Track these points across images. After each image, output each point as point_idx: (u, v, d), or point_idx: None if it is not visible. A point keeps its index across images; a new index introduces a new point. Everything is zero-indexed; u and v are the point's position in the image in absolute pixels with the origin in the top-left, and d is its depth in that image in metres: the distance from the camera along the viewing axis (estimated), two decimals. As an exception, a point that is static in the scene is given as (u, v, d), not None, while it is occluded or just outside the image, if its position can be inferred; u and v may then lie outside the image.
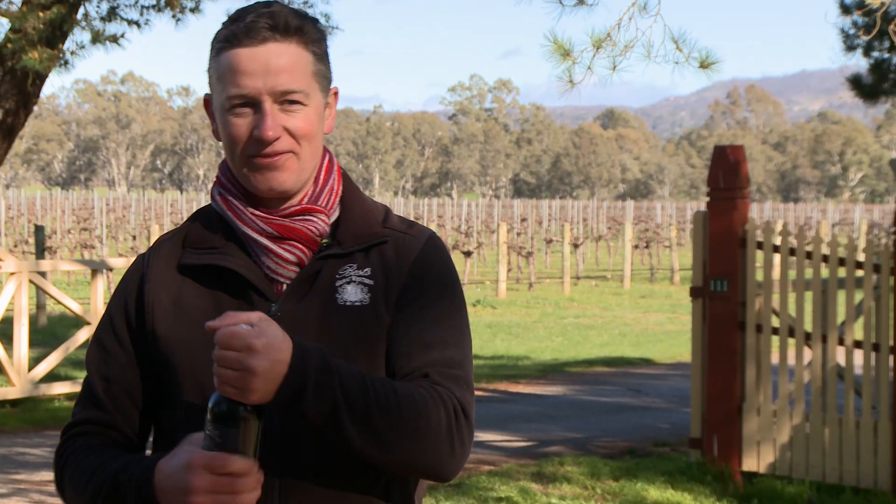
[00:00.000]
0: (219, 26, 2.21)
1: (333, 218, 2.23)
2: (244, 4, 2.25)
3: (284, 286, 2.18)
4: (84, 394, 2.25)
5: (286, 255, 2.17)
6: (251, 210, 2.18)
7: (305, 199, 2.20)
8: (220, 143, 2.22)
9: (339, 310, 2.16)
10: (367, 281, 2.17)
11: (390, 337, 2.16)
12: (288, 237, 2.17)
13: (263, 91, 2.11)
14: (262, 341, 1.93)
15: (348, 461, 2.12)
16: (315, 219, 2.19)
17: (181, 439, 2.04)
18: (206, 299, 2.17)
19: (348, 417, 2.00)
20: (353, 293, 2.17)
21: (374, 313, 2.16)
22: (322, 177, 2.24)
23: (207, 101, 2.23)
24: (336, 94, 2.26)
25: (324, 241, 2.20)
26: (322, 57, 2.19)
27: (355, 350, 2.12)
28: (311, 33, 2.16)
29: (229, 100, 2.13)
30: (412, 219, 2.13)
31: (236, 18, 2.14)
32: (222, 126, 2.16)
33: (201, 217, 2.26)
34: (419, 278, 2.20)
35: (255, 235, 2.17)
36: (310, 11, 12.89)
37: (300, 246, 2.17)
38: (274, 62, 2.11)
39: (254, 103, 2.12)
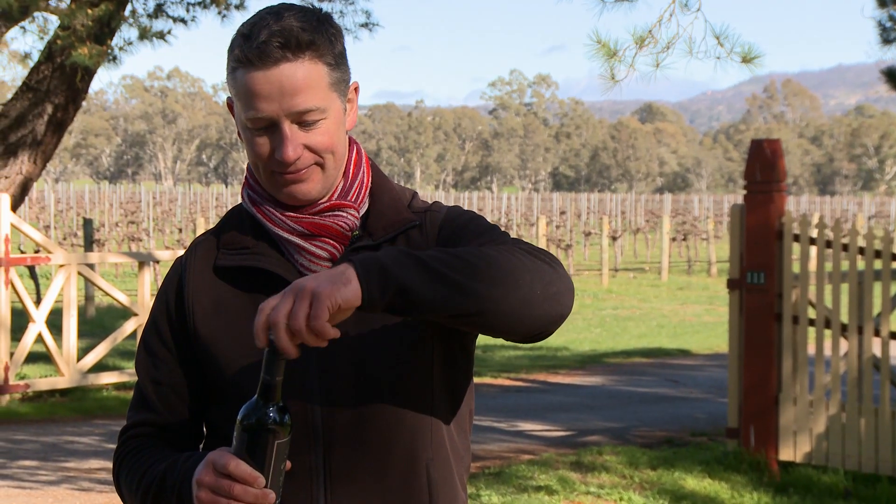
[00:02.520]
0: (234, 32, 2.16)
1: (363, 210, 2.22)
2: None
3: None
4: (136, 398, 2.29)
5: (318, 251, 2.17)
6: (280, 210, 2.18)
7: (336, 195, 2.19)
8: None
9: None
10: None
11: None
12: (319, 234, 2.17)
13: (280, 113, 2.08)
14: (300, 279, 1.95)
15: (391, 441, 2.15)
16: (345, 213, 2.19)
17: (229, 435, 2.02)
18: (243, 299, 2.19)
19: (443, 270, 1.95)
20: None
21: None
22: (352, 170, 2.23)
23: (231, 104, 2.20)
24: (356, 88, 2.21)
25: (354, 233, 2.20)
26: (338, 63, 2.14)
27: (395, 337, 2.13)
28: (323, 45, 2.10)
29: (248, 121, 2.11)
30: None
31: (248, 35, 2.09)
32: (245, 141, 2.16)
33: (233, 217, 2.27)
34: (451, 230, 2.21)
35: (286, 235, 2.18)
36: (349, 9, 13.06)
37: (331, 241, 2.18)
38: (289, 84, 2.07)
39: (272, 124, 2.10)
